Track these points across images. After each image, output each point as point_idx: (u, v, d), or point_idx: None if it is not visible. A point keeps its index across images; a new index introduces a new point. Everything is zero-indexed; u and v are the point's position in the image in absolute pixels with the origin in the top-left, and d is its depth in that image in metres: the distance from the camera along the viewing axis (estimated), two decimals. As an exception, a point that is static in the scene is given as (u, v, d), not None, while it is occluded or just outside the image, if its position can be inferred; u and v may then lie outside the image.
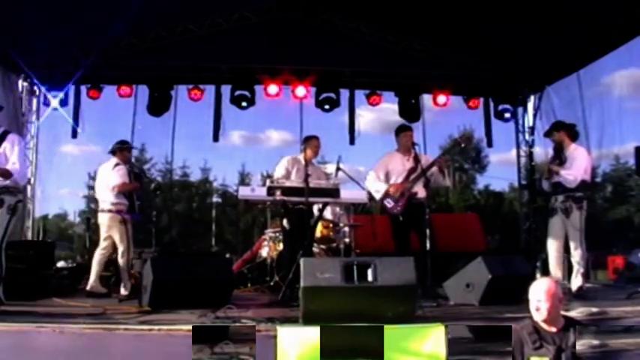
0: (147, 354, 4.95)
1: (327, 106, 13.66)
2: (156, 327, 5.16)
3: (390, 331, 4.92)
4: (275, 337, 4.88)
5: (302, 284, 5.33)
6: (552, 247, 8.66)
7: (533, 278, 8.15)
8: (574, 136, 8.96)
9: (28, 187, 13.11)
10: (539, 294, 4.33)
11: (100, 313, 6.52)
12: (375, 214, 11.34)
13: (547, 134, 9.25)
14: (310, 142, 9.20)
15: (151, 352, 4.97)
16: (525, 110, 14.69)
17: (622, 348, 5.69)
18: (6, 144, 6.73)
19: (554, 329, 4.35)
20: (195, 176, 30.77)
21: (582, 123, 12.70)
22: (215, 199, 27.86)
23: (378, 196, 8.75)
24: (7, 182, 6.62)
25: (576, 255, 8.38)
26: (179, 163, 27.24)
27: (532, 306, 4.36)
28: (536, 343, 4.29)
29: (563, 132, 8.77)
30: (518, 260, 8.06)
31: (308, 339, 4.94)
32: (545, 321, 4.31)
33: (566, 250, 8.60)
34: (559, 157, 8.61)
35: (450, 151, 9.59)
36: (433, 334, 4.95)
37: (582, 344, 5.51)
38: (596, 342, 5.74)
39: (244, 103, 13.37)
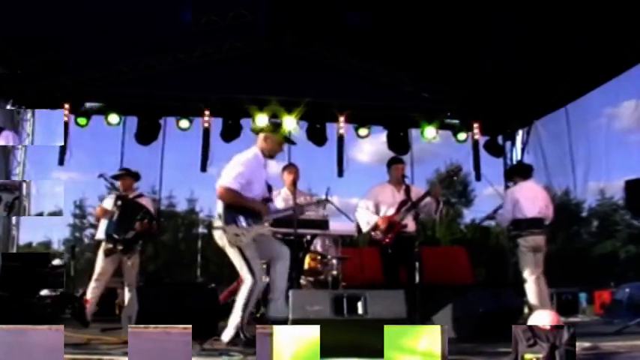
0: (131, 386, 4.86)
1: (315, 138, 13.64)
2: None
3: (389, 330, 4.86)
4: (271, 334, 4.82)
5: (291, 316, 5.25)
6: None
7: (522, 312, 8.21)
8: (523, 174, 9.65)
9: (13, 215, 13.00)
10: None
11: (83, 343, 6.40)
12: (362, 247, 11.29)
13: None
14: (284, 171, 9.23)
15: (135, 383, 4.87)
16: (514, 144, 14.75)
17: (613, 350, 5.68)
18: None
19: (547, 327, 4.35)
20: (181, 206, 30.67)
21: (569, 157, 12.78)
22: (201, 229, 27.73)
23: (367, 227, 8.70)
24: None
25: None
26: (166, 193, 27.14)
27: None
28: (530, 341, 4.28)
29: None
30: (508, 294, 8.03)
31: (304, 337, 4.87)
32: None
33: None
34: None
35: (442, 183, 9.57)
36: (429, 333, 4.90)
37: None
38: (587, 344, 5.73)
39: (232, 133, 13.36)
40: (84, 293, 9.54)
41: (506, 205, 9.23)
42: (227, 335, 6.33)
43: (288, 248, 6.98)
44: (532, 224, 9.13)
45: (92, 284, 9.23)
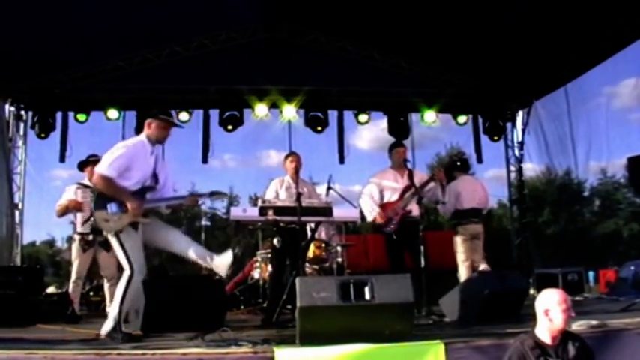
0: (142, 378, 4.87)
1: (315, 126, 13.64)
2: (150, 351, 5.06)
3: (390, 350, 4.87)
4: (272, 358, 4.82)
5: (298, 304, 5.23)
6: None
7: (528, 293, 8.22)
8: (463, 169, 10.21)
9: (17, 213, 13.02)
10: (552, 303, 4.30)
11: (91, 338, 6.41)
12: (366, 233, 11.28)
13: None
14: (286, 159, 9.09)
15: (145, 376, 4.89)
16: (514, 126, 14.75)
17: (622, 327, 5.68)
18: None
19: (555, 342, 4.32)
20: (182, 199, 30.62)
21: (570, 137, 12.76)
22: (204, 222, 27.69)
23: (372, 214, 8.70)
24: None
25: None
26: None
27: (542, 317, 4.32)
28: (539, 358, 4.26)
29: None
30: (514, 275, 8.06)
31: (305, 359, 4.89)
32: (558, 331, 4.29)
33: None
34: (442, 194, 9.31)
35: (445, 167, 9.58)
36: (433, 352, 4.91)
37: (580, 325, 5.51)
38: (594, 322, 5.73)
39: (232, 126, 13.38)
40: (67, 292, 9.49)
41: (449, 198, 9.49)
42: (105, 329, 6.25)
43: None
44: (471, 214, 9.72)
45: (72, 282, 9.18)
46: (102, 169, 6.36)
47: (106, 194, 6.34)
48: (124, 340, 5.91)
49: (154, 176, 6.77)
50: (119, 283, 6.42)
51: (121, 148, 6.54)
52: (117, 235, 6.31)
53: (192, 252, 6.63)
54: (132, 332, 6.29)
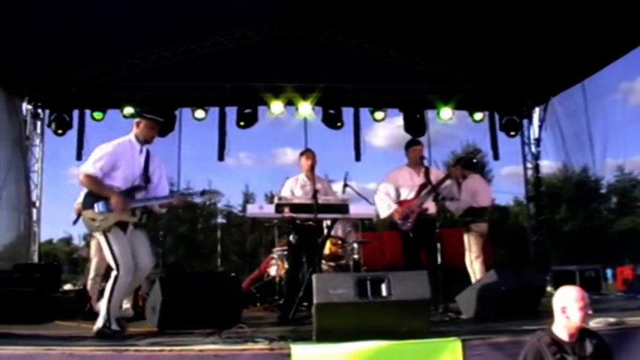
0: (159, 375, 4.89)
1: (331, 124, 13.63)
2: (167, 348, 5.07)
3: (407, 347, 4.86)
4: (289, 355, 4.82)
5: (315, 300, 5.23)
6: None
7: (545, 290, 8.18)
8: (474, 167, 10.10)
9: (34, 210, 13.11)
10: (569, 301, 4.28)
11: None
12: (382, 231, 11.28)
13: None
14: (301, 157, 9.05)
15: (163, 373, 4.91)
16: (531, 122, 14.69)
17: (639, 325, 5.64)
18: None
19: (573, 339, 4.29)
20: (199, 197, 30.68)
21: (587, 133, 12.69)
22: (220, 219, 27.76)
23: (388, 212, 8.67)
24: None
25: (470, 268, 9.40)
26: (183, 183, 27.22)
27: (559, 314, 4.30)
28: (556, 355, 4.23)
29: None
30: (531, 272, 8.03)
31: (322, 356, 4.88)
32: (575, 328, 4.27)
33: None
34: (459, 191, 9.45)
35: (461, 164, 9.52)
36: (450, 349, 4.90)
37: (598, 322, 5.48)
38: (612, 319, 5.69)
39: (248, 123, 13.37)
40: (84, 289, 9.51)
41: (464, 195, 9.50)
42: (95, 326, 6.26)
43: (152, 262, 6.94)
44: (484, 213, 9.72)
45: (91, 279, 9.16)
46: (86, 167, 6.39)
47: (92, 194, 6.37)
48: (112, 338, 5.94)
49: (145, 176, 6.75)
50: (108, 282, 6.44)
51: (106, 147, 6.56)
52: (105, 235, 6.33)
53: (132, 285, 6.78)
54: (122, 330, 6.33)
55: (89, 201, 6.35)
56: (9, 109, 12.39)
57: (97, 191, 6.34)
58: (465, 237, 9.55)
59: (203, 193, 7.03)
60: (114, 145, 6.61)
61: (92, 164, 6.38)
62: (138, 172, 6.68)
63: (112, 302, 6.27)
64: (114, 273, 6.31)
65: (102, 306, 6.31)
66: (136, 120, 6.88)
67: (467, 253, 9.44)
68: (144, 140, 6.81)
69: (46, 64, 12.07)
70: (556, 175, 15.58)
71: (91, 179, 6.34)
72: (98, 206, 6.30)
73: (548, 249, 14.35)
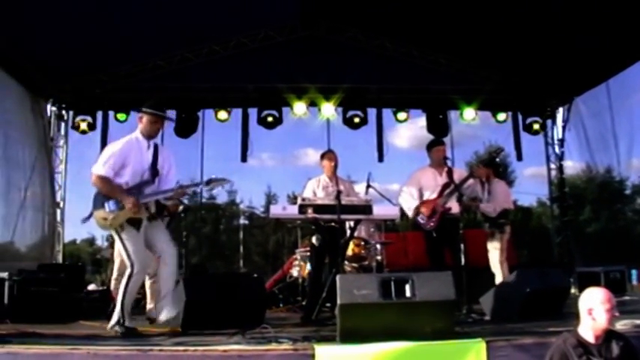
0: (183, 375, 4.90)
1: (354, 124, 13.62)
2: (191, 348, 5.09)
3: (431, 348, 4.84)
4: (312, 355, 4.81)
5: (339, 301, 5.23)
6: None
7: (570, 291, 8.12)
8: (494, 166, 10.13)
9: (58, 211, 13.21)
10: (595, 302, 4.24)
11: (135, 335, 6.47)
12: (405, 231, 11.27)
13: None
14: (323, 158, 9.08)
15: (187, 373, 4.92)
16: (554, 123, 14.60)
17: None
18: None
19: (599, 341, 4.26)
20: (221, 198, 30.74)
21: (611, 133, 12.58)
22: (242, 220, 27.81)
23: (411, 212, 8.66)
24: None
25: (497, 271, 9.39)
26: (200, 183, 27.24)
27: (586, 316, 4.26)
28: (582, 357, 4.20)
29: (490, 169, 9.54)
30: (555, 273, 7.98)
31: (346, 357, 4.87)
32: (601, 330, 4.23)
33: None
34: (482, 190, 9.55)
35: (484, 163, 9.47)
36: (474, 351, 4.87)
37: (625, 324, 5.43)
38: (639, 322, 5.63)
39: (271, 123, 13.40)
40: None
41: (499, 196, 9.60)
42: (110, 324, 6.37)
43: (176, 247, 7.03)
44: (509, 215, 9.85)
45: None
46: (97, 168, 6.48)
47: (103, 194, 6.46)
48: (126, 335, 6.05)
49: (154, 170, 6.81)
50: (122, 280, 6.55)
51: (114, 146, 6.69)
52: (118, 233, 6.44)
53: (164, 282, 6.78)
54: (135, 327, 6.45)
55: (99, 200, 6.45)
56: (34, 110, 12.50)
57: (108, 192, 6.44)
58: (498, 238, 9.49)
59: (209, 182, 7.02)
60: (122, 144, 6.72)
61: (102, 165, 6.49)
62: (146, 166, 6.76)
63: (126, 299, 6.38)
64: (128, 271, 6.44)
65: (117, 305, 6.42)
66: (139, 115, 6.95)
67: (496, 254, 9.42)
68: (147, 135, 6.90)
69: (71, 66, 12.18)
70: (580, 175, 15.46)
71: (103, 180, 6.45)
72: (109, 205, 6.39)
73: (572, 250, 14.25)
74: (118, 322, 6.29)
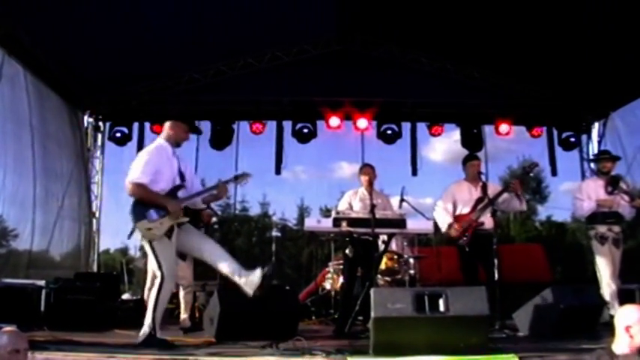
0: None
1: (388, 138, 13.63)
2: (225, 358, 5.13)
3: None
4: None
5: (373, 314, 5.25)
6: (605, 275, 9.02)
7: (603, 309, 8.03)
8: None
9: (94, 221, 13.37)
10: (633, 320, 4.21)
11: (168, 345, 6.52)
12: (438, 246, 11.22)
13: (603, 161, 9.43)
14: (361, 171, 9.10)
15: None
16: (590, 138, 14.47)
17: None
18: None
19: (633, 359, 4.23)
20: (254, 210, 30.77)
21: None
22: (274, 233, 27.76)
23: (445, 226, 8.64)
24: None
25: (614, 285, 8.90)
26: (239, 197, 27.34)
27: (623, 333, 4.23)
28: (612, 369, 4.17)
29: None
30: (590, 290, 7.89)
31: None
32: (638, 349, 4.20)
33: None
34: (616, 188, 9.00)
35: (520, 178, 9.38)
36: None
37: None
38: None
39: (305, 135, 13.47)
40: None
41: (587, 196, 9.23)
42: (141, 335, 6.29)
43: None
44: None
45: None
46: (134, 177, 6.46)
47: (140, 204, 6.44)
48: (158, 347, 5.98)
49: (181, 175, 6.84)
50: (152, 290, 6.50)
51: (146, 154, 6.69)
52: (150, 242, 6.40)
53: (224, 265, 6.54)
54: (166, 339, 6.38)
55: (139, 212, 6.41)
56: (71, 122, 12.70)
57: (148, 199, 6.41)
58: (596, 247, 9.28)
59: (236, 178, 7.06)
60: (152, 151, 6.75)
61: (140, 172, 6.47)
62: (176, 172, 6.78)
63: (157, 309, 6.33)
64: (158, 281, 6.38)
65: (148, 316, 6.35)
66: (170, 123, 7.00)
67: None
68: (176, 143, 6.95)
69: (107, 78, 12.35)
70: (616, 191, 15.29)
71: (141, 188, 6.42)
72: (150, 215, 6.37)
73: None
74: (150, 334, 6.26)
